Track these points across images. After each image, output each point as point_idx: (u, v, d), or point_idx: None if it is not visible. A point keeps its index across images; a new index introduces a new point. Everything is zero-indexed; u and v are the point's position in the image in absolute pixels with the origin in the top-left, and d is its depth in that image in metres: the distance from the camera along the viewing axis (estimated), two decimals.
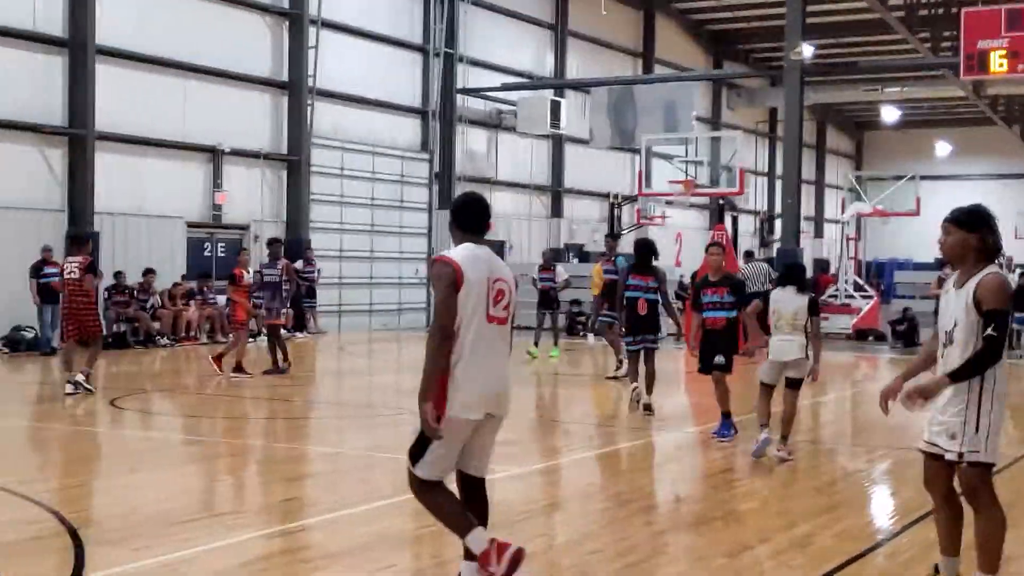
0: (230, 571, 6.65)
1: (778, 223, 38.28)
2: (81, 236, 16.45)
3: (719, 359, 11.68)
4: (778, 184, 42.04)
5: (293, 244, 27.08)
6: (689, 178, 28.17)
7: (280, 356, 17.75)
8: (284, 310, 18.25)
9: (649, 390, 13.69)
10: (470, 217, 5.99)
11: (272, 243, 18.53)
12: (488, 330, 5.81)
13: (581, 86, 36.50)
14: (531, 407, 15.84)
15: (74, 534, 7.28)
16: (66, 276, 15.31)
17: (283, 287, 17.80)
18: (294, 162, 27.58)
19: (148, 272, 23.27)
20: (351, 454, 11.42)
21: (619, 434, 13.21)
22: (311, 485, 9.83)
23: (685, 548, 7.50)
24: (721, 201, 32.44)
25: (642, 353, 13.85)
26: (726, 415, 11.82)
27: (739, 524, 8.25)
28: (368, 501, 8.73)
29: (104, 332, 17.55)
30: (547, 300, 22.23)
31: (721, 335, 11.78)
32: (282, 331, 18.60)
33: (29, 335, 21.27)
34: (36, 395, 16.97)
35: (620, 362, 17.60)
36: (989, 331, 5.68)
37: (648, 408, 13.56)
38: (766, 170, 50.42)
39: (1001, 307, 5.69)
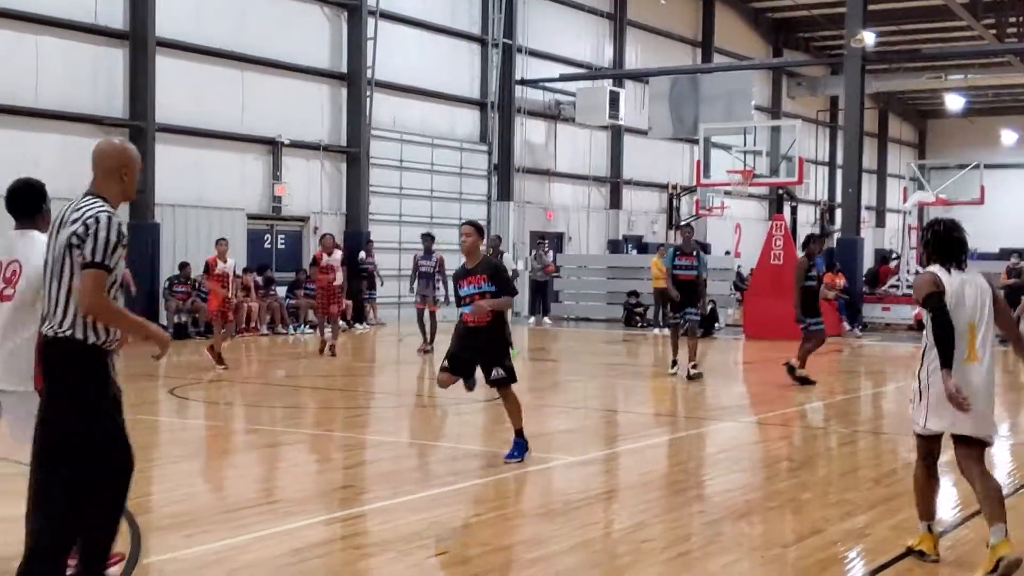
0: (283, 558, 6.69)
1: (839, 213, 37.89)
2: (329, 235, 20.45)
3: (497, 373, 9.76)
4: (839, 174, 41.62)
5: (353, 236, 27.24)
6: (748, 168, 27.94)
7: (428, 338, 20.20)
8: (438, 298, 20.48)
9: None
10: (7, 203, 6.25)
11: (426, 237, 20.63)
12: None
13: (640, 76, 36.37)
14: (588, 397, 15.83)
15: (131, 520, 7.35)
16: (322, 264, 19.72)
17: (436, 277, 20.11)
18: (353, 154, 27.70)
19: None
20: (407, 443, 11.46)
21: (675, 424, 13.15)
22: (367, 473, 9.87)
23: (739, 538, 7.44)
24: (780, 191, 32.14)
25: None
26: (519, 433, 9.92)
27: (795, 514, 8.18)
28: (423, 489, 8.74)
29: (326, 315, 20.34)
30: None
31: (485, 333, 9.85)
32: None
33: None
34: None
35: (676, 363, 17.10)
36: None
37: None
38: (827, 159, 49.94)
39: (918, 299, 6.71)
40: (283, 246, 26.80)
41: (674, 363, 17.06)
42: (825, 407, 14.90)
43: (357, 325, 26.36)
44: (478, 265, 9.89)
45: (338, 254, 20.15)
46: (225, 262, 18.12)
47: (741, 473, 10.03)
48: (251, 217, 25.64)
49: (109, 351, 5.21)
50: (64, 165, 21.79)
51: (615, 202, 37.21)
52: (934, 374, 6.53)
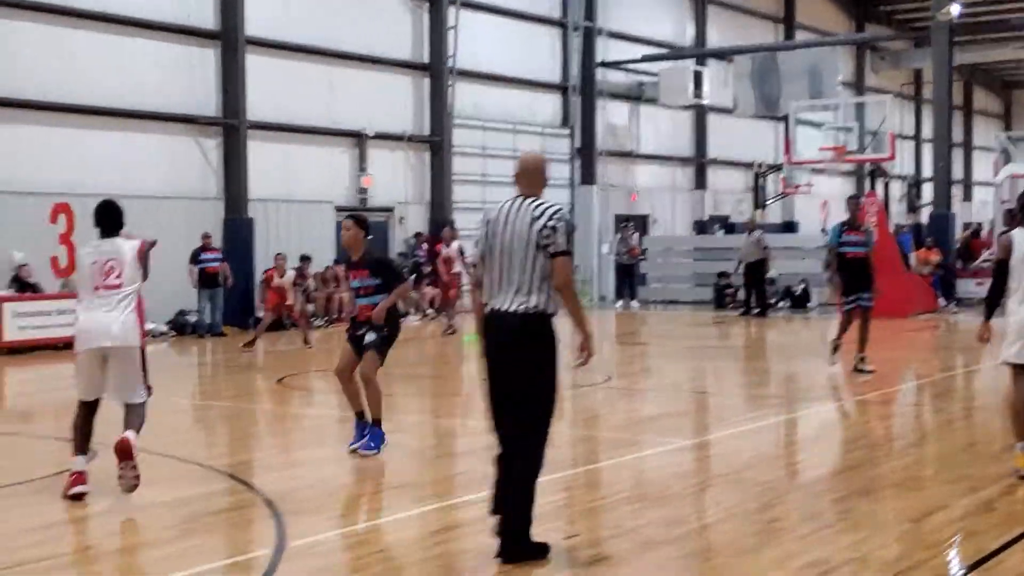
0: (423, 539, 6.87)
1: (925, 187, 37.40)
2: (449, 227, 22.97)
3: (370, 336, 9.67)
4: (924, 148, 41.06)
5: (437, 225, 27.40)
6: (841, 144, 27.69)
7: None
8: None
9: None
10: (96, 220, 8.21)
11: None
12: (95, 295, 7.98)
13: (723, 55, 36.06)
14: (686, 380, 15.84)
15: (270, 505, 7.58)
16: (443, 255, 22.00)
17: None
18: (436, 143, 27.87)
19: (304, 259, 23.64)
20: None
21: (778, 406, 13.15)
22: (478, 459, 9.97)
23: (867, 515, 7.44)
24: (871, 167, 31.80)
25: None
26: (369, 419, 9.81)
27: (918, 490, 8.17)
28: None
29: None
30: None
31: (366, 325, 9.74)
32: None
33: (193, 319, 21.97)
34: (204, 376, 17.60)
35: (837, 348, 15.12)
36: None
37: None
38: (912, 134, 49.21)
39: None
40: (370, 237, 26.96)
41: (835, 348, 15.01)
42: (926, 385, 14.79)
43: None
44: (361, 259, 9.88)
45: (456, 244, 22.18)
46: (282, 276, 19.60)
47: (856, 452, 10.00)
48: (339, 209, 25.88)
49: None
50: (161, 164, 22.30)
51: (700, 182, 37.00)
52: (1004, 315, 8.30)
